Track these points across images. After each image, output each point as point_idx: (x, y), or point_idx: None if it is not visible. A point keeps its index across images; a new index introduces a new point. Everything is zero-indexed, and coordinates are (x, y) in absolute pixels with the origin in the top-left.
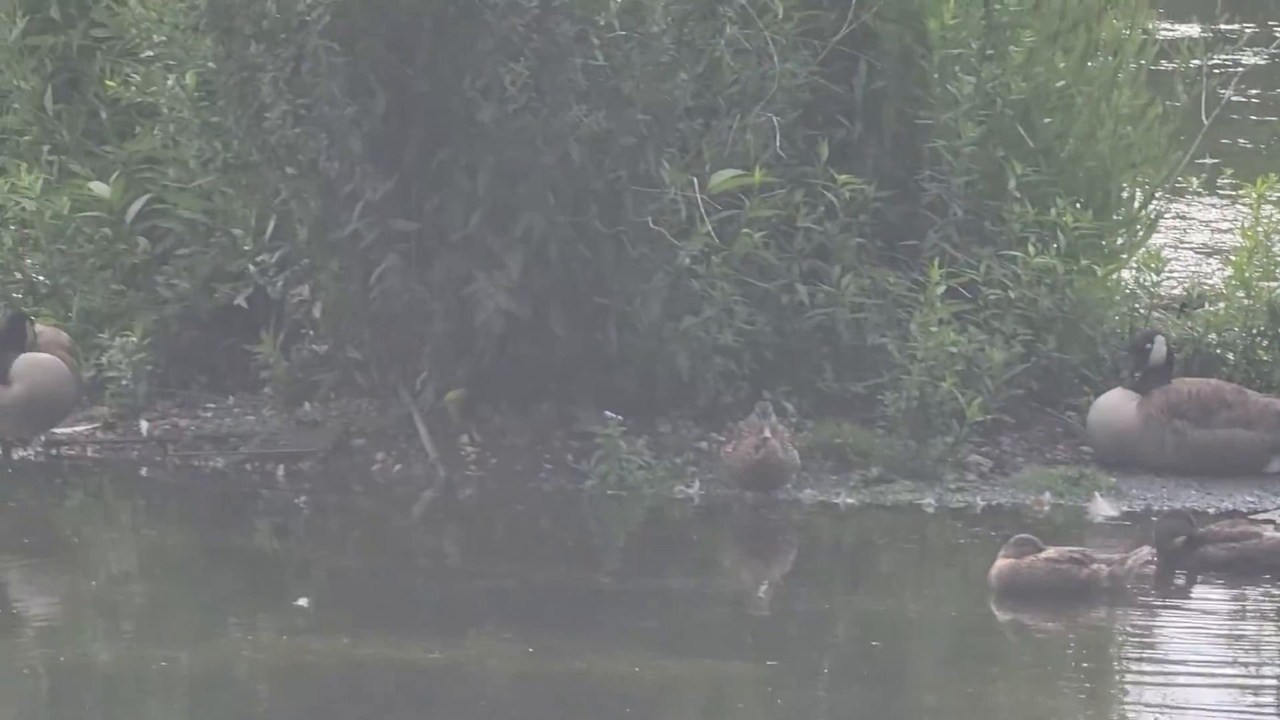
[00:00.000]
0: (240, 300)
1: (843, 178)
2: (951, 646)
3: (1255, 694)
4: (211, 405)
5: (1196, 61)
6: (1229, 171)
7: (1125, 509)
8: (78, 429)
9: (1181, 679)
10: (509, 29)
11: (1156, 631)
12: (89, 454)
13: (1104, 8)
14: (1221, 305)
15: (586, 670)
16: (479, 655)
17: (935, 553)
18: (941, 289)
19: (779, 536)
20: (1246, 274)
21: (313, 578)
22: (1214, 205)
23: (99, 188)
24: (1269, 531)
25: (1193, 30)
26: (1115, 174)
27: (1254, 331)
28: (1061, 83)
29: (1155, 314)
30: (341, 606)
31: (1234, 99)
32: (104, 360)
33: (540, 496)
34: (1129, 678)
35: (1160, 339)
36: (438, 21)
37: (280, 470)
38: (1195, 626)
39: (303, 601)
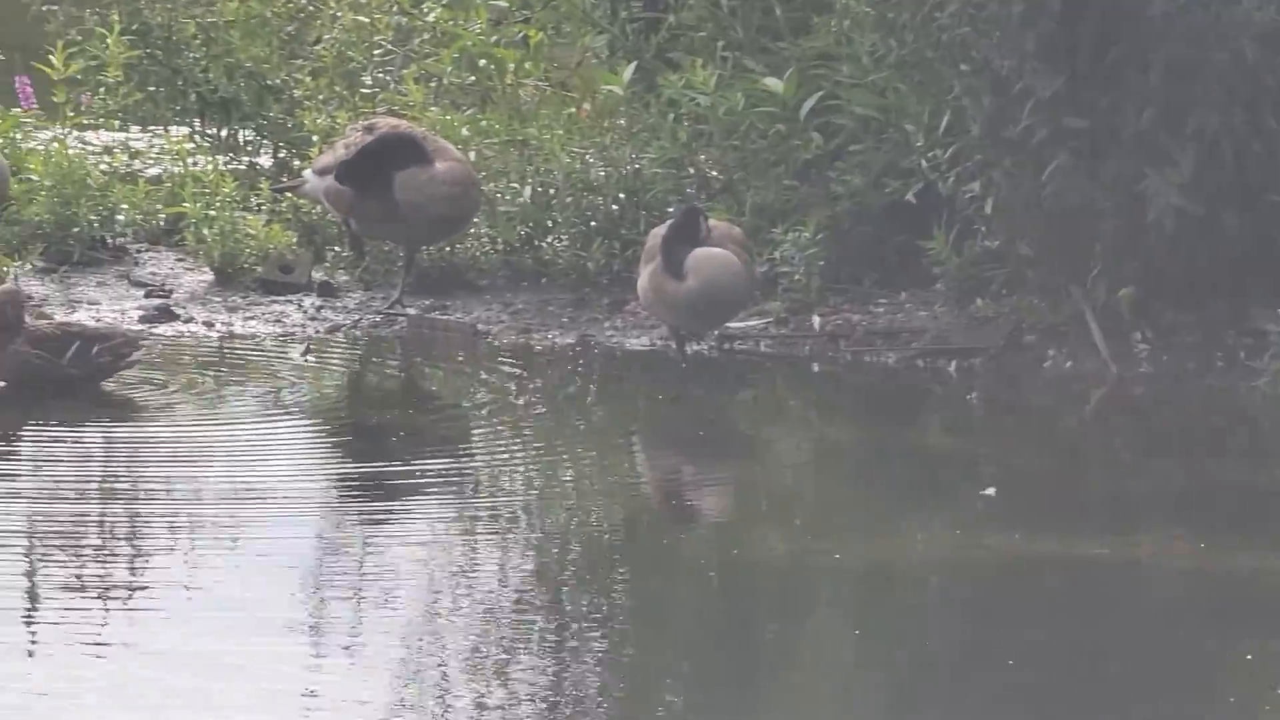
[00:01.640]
0: (910, 196)
1: None
2: None
3: None
4: (883, 301)
5: None
6: None
7: None
8: (750, 323)
9: None
10: None
11: None
12: (761, 349)
13: None
14: None
15: (1257, 569)
16: (1149, 553)
17: None
18: None
19: None
20: None
21: (983, 474)
22: None
23: (773, 83)
24: None
25: None
26: None
27: None
28: None
29: None
30: (1013, 503)
31: None
32: (776, 255)
33: (1211, 394)
34: None
35: None
36: None
37: (952, 366)
38: None
39: (990, 491)
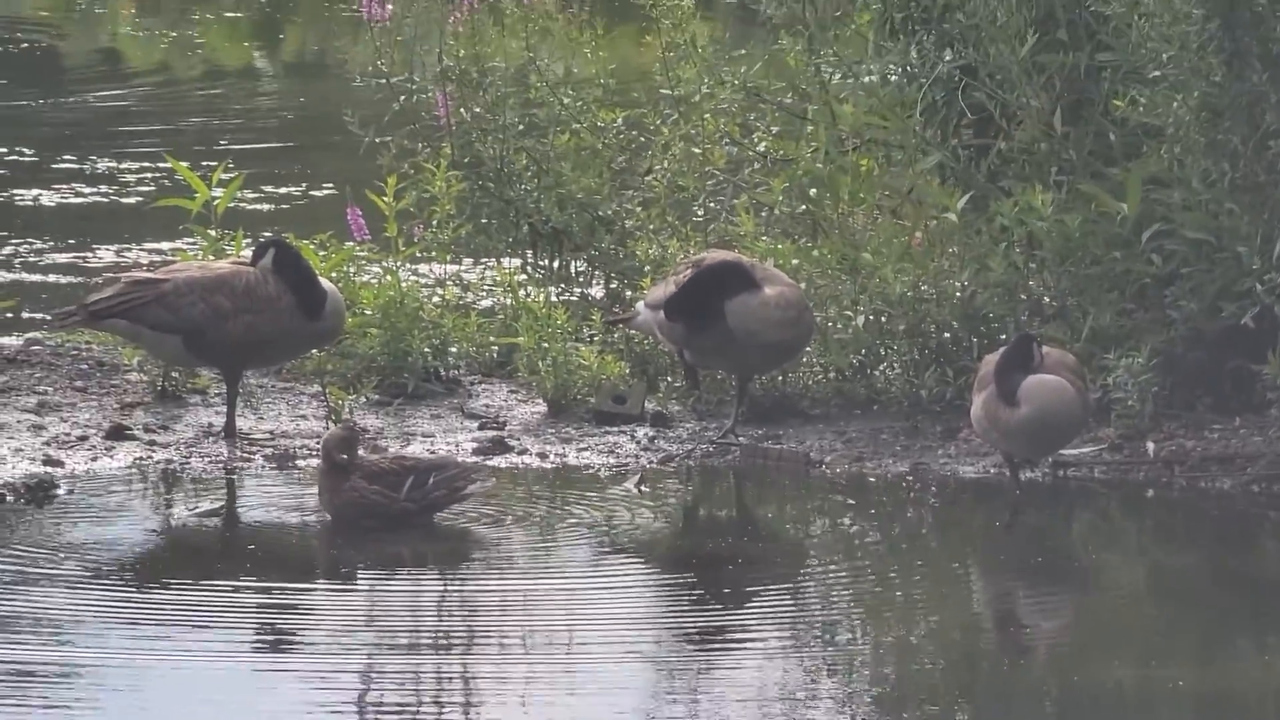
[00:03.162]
0: (1247, 320)
1: None
2: None
3: None
4: (1217, 426)
5: None
6: None
7: None
8: (1084, 450)
9: None
10: None
11: None
12: (1095, 475)
13: None
14: None
15: None
16: None
17: None
18: None
19: None
20: None
21: None
22: None
23: (1114, 206)
24: None
25: None
26: None
27: None
28: None
29: None
30: None
31: None
32: (1110, 381)
33: None
34: None
35: None
36: None
37: None
38: None
39: None
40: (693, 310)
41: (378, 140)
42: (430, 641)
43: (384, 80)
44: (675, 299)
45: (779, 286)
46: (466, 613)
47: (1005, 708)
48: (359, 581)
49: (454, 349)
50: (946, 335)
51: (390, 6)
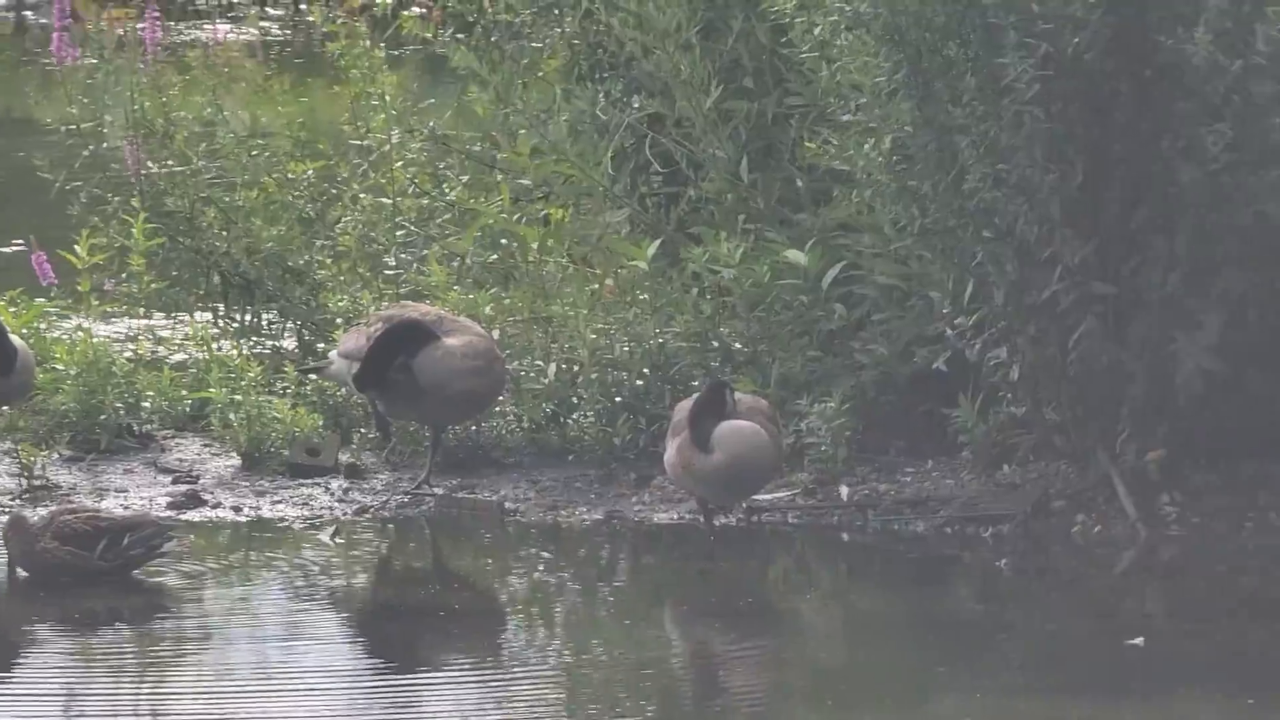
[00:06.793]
0: (939, 364)
1: None
2: None
3: None
4: (910, 470)
5: None
6: None
7: None
8: (778, 495)
9: None
10: (1210, 92)
11: None
12: (789, 520)
13: None
14: None
15: None
16: (1184, 716)
17: None
18: None
19: None
20: None
21: (1017, 640)
22: None
23: (795, 255)
24: None
25: None
26: None
27: None
28: None
29: None
30: (1045, 669)
31: None
32: (803, 426)
33: (1244, 555)
34: None
35: None
36: (1135, 85)
37: (988, 532)
38: None
39: (1139, 640)
40: (381, 377)
41: (67, 188)
42: (125, 701)
43: (74, 127)
44: (362, 373)
45: (467, 336)
46: (161, 667)
47: None
48: (48, 637)
49: (147, 404)
50: (639, 383)
51: (79, 50)
